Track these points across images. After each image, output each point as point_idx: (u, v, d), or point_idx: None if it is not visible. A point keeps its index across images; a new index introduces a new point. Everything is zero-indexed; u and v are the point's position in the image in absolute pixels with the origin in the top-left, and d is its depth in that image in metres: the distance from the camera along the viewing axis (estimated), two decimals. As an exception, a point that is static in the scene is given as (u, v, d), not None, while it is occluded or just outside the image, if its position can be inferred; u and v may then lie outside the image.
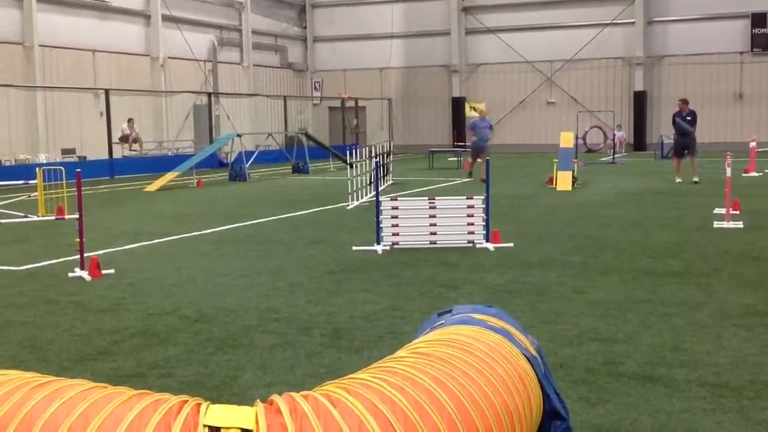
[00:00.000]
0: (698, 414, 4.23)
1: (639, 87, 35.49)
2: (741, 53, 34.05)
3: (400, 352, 3.46)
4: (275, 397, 2.77)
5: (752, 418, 4.16)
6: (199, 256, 9.72)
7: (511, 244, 10.01)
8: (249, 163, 23.58)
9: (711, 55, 34.27)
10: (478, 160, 20.35)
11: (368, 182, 15.55)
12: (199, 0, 33.66)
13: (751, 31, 33.61)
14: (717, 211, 12.69)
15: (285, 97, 36.25)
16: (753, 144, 21.48)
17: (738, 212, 12.39)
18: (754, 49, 33.71)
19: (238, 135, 25.23)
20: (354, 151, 16.05)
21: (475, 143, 21.23)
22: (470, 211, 10.13)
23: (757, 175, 20.68)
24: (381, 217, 10.01)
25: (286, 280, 8.05)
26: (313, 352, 5.53)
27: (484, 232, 10.08)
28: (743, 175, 20.31)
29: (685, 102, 18.84)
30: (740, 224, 11.38)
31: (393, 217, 10.07)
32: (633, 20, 35.28)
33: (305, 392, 2.84)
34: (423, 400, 2.91)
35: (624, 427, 4.09)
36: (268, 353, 5.50)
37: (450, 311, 3.98)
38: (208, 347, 5.69)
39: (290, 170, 26.00)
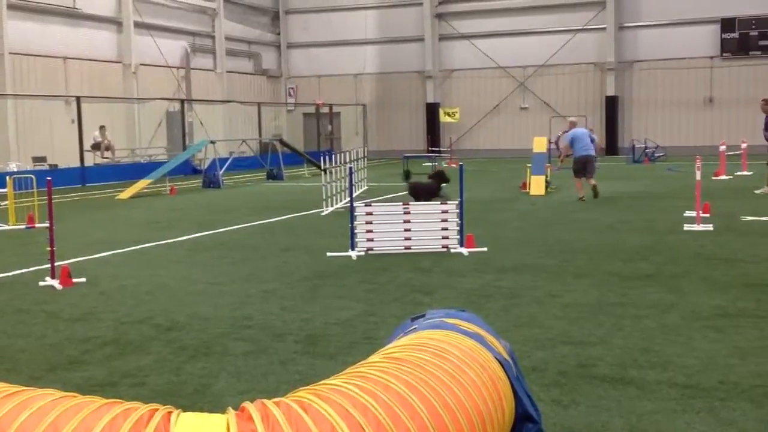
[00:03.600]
0: (669, 415, 4.27)
1: (611, 92, 35.81)
2: (711, 58, 34.49)
3: (374, 358, 3.47)
4: (247, 404, 2.77)
5: (722, 418, 4.21)
6: (172, 264, 9.66)
7: (485, 249, 10.05)
8: (223, 170, 23.48)
9: (681, 60, 34.68)
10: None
11: (342, 188, 15.54)
12: (171, 6, 33.50)
13: (721, 35, 34.06)
14: (687, 214, 12.83)
15: (259, 104, 36.16)
16: (723, 148, 21.75)
17: (708, 215, 12.54)
18: (724, 54, 34.16)
19: (211, 142, 25.13)
20: (328, 157, 16.04)
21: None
22: (444, 216, 10.16)
23: (727, 178, 20.94)
24: (355, 222, 10.02)
25: (260, 287, 8.03)
26: (287, 358, 5.52)
27: (459, 237, 10.12)
28: (713, 178, 20.55)
29: None
30: (710, 227, 11.52)
31: (367, 222, 10.08)
32: (604, 26, 35.62)
33: (277, 399, 2.84)
34: (396, 405, 2.92)
35: (596, 429, 4.13)
36: (242, 360, 5.48)
37: (423, 316, 4.00)
38: (181, 355, 5.65)
39: (264, 177, 25.93)
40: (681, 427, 4.11)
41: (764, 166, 16.68)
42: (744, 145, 23.81)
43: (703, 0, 34.02)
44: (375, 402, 2.88)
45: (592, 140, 17.43)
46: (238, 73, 38.00)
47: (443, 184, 13.77)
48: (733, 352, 5.37)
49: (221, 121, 34.80)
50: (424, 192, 13.60)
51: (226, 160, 25.11)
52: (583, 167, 16.53)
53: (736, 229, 11.41)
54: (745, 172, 22.24)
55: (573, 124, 18.27)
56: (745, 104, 33.70)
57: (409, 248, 10.02)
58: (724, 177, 21.02)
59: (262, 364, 5.40)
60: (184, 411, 2.75)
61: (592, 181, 16.49)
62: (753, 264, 8.64)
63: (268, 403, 2.78)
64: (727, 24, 33.83)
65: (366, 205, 10.57)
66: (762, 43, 33.45)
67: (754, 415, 4.24)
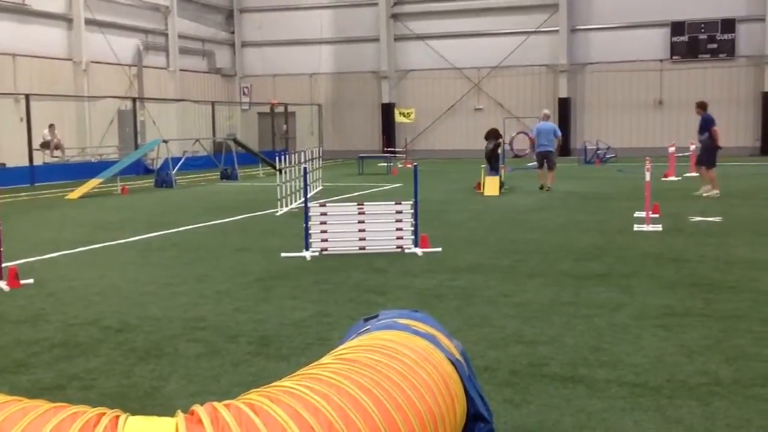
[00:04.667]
0: (618, 413, 4.34)
1: (563, 93, 36.26)
2: (661, 61, 35.12)
3: (326, 359, 3.46)
4: (197, 407, 2.74)
5: (669, 416, 4.28)
6: (123, 265, 9.53)
7: (440, 249, 10.10)
8: (176, 170, 23.22)
9: (632, 63, 35.25)
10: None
11: (297, 188, 15.48)
12: (123, 3, 33.02)
13: (671, 39, 34.71)
14: (637, 214, 13.05)
15: (213, 103, 35.84)
16: (672, 149, 22.16)
17: (658, 215, 12.78)
18: (674, 57, 34.82)
19: (164, 141, 24.82)
20: (283, 157, 15.97)
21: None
22: (399, 216, 10.18)
23: (676, 179, 21.36)
24: (310, 223, 9.98)
25: (212, 288, 7.95)
26: (239, 360, 5.48)
27: (413, 237, 10.15)
28: (663, 179, 20.94)
29: None
30: (659, 227, 11.73)
31: (322, 223, 10.05)
32: (557, 28, 36.05)
33: (227, 401, 2.82)
34: (348, 406, 2.91)
35: (546, 428, 4.17)
36: (194, 362, 5.43)
37: (376, 317, 4.00)
38: (131, 358, 5.57)
39: (218, 176, 25.71)
40: (629, 425, 4.17)
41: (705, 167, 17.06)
42: (693, 147, 24.25)
43: (653, 4, 34.63)
44: (327, 403, 2.88)
45: (556, 135, 19.38)
46: (192, 71, 37.60)
47: (499, 140, 18.52)
48: (681, 351, 5.47)
49: (174, 120, 34.39)
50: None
51: (179, 159, 24.83)
52: (542, 161, 19.28)
53: (685, 230, 11.63)
54: (694, 174, 22.69)
55: (546, 117, 20.13)
56: (694, 107, 34.37)
57: (364, 248, 10.02)
58: (673, 178, 21.43)
59: (215, 365, 5.35)
60: (133, 414, 2.71)
61: (550, 175, 19.09)
62: (700, 264, 8.82)
63: (218, 405, 2.76)
64: (676, 27, 34.49)
65: (320, 206, 10.54)
66: (710, 46, 34.17)
67: (701, 412, 4.32)
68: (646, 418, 4.26)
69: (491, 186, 18.14)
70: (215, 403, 2.78)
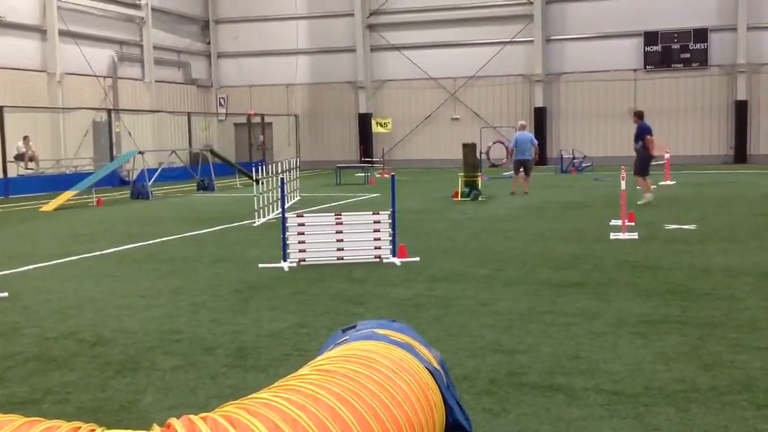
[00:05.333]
0: (596, 421, 4.35)
1: (539, 103, 36.49)
2: (635, 70, 35.47)
3: (304, 370, 3.44)
4: (173, 421, 2.71)
5: (647, 423, 4.30)
6: (99, 277, 9.43)
7: (418, 259, 10.10)
8: (152, 181, 23.08)
9: (606, 72, 35.57)
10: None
11: (275, 199, 15.43)
12: (98, 15, 32.82)
13: (644, 49, 35.07)
14: (613, 222, 13.14)
15: (189, 114, 35.67)
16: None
17: (633, 224, 12.87)
18: (647, 67, 35.18)
19: (139, 152, 24.66)
20: (260, 167, 15.92)
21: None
22: (377, 226, 10.18)
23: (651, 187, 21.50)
24: (287, 233, 9.95)
25: (189, 300, 7.89)
26: (217, 372, 5.43)
27: (391, 246, 10.14)
28: (638, 188, 21.06)
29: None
30: (635, 235, 11.81)
31: (299, 233, 10.02)
32: (532, 38, 36.30)
33: (204, 414, 2.79)
34: (326, 418, 2.89)
35: (526, 437, 4.17)
36: (170, 375, 5.38)
37: (354, 327, 3.99)
38: (107, 371, 5.51)
39: (195, 187, 25.58)
40: (608, 432, 4.18)
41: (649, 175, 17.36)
42: (667, 155, 24.54)
43: (626, 14, 34.99)
44: (305, 415, 2.86)
45: (533, 144, 20.94)
46: (167, 82, 37.44)
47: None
48: (658, 358, 5.50)
49: (150, 131, 34.18)
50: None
51: (155, 170, 24.68)
52: (519, 168, 20.85)
53: (660, 238, 11.72)
54: (669, 182, 22.92)
55: (522, 127, 21.71)
56: (668, 115, 34.78)
57: (342, 259, 10.01)
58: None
59: (191, 378, 5.31)
60: (109, 428, 2.68)
61: (528, 180, 20.61)
62: (676, 271, 8.88)
63: (195, 418, 2.73)
64: (650, 37, 34.87)
65: (298, 216, 10.51)
66: (683, 56, 34.57)
67: (678, 419, 4.34)
68: (624, 425, 4.27)
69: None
70: (192, 416, 2.75)
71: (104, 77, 32.92)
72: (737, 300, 7.32)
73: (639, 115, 17.54)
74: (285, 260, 9.87)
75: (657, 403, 4.60)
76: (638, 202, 16.56)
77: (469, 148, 19.75)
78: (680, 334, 6.14)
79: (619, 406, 4.56)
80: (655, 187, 17.46)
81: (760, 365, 5.28)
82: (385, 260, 10.02)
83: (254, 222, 14.67)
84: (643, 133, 17.04)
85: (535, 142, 21.25)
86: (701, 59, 34.35)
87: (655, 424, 4.29)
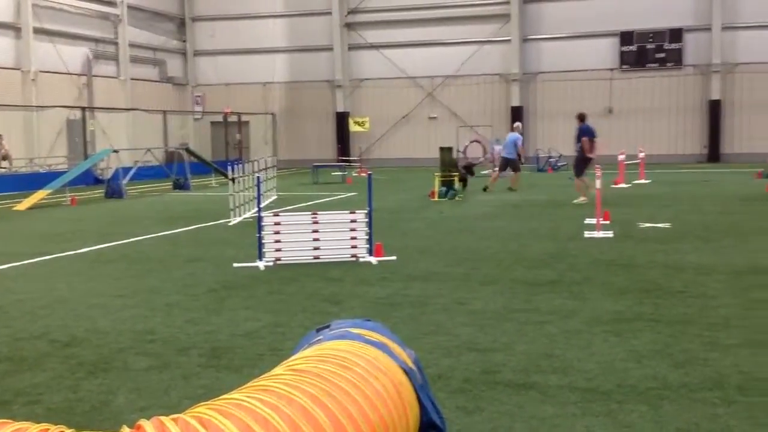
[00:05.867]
0: (569, 419, 4.37)
1: (516, 102, 36.64)
2: (611, 70, 35.71)
3: (277, 370, 3.43)
4: (143, 422, 2.68)
5: (619, 421, 4.32)
6: (72, 277, 9.34)
7: (394, 258, 10.10)
8: (127, 180, 22.89)
9: (583, 72, 35.78)
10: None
11: (251, 198, 15.37)
12: (72, 12, 32.51)
13: (620, 48, 35.33)
14: (588, 221, 13.22)
15: (165, 112, 35.45)
16: (622, 157, 22.53)
17: (608, 222, 12.95)
18: (623, 66, 35.44)
19: (114, 150, 24.45)
20: (236, 166, 15.85)
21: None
22: (353, 225, 10.16)
23: (626, 186, 21.69)
24: (263, 232, 9.91)
25: (163, 300, 7.84)
26: (190, 372, 5.40)
27: (367, 246, 10.13)
28: (613, 186, 21.26)
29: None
30: (610, 234, 11.89)
31: (276, 232, 9.98)
32: (509, 38, 36.44)
33: (175, 415, 2.77)
34: (299, 418, 2.88)
35: (499, 435, 4.18)
36: (143, 376, 5.33)
37: (328, 326, 3.97)
38: (79, 372, 5.46)
39: (170, 186, 25.41)
40: (581, 430, 4.20)
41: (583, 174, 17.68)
42: (642, 154, 24.74)
43: (602, 14, 35.22)
44: (277, 415, 2.84)
45: (516, 144, 21.50)
46: (143, 80, 37.16)
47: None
48: (631, 356, 5.54)
49: (125, 130, 33.90)
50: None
51: (129, 169, 24.49)
52: (504, 166, 21.86)
53: (634, 236, 11.81)
54: (643, 180, 23.10)
55: (512, 129, 23.02)
56: (643, 115, 35.07)
57: (318, 258, 9.98)
58: (623, 185, 21.76)
59: (164, 379, 5.27)
60: (80, 430, 2.65)
61: (515, 178, 21.56)
62: (650, 269, 8.95)
63: (166, 420, 2.70)
64: (625, 37, 35.13)
65: (274, 215, 10.47)
66: (658, 55, 34.87)
67: (650, 416, 4.37)
68: (597, 423, 4.30)
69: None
70: (162, 417, 2.72)
71: (79, 75, 32.62)
72: (710, 298, 7.39)
73: (580, 117, 17.92)
74: (261, 259, 9.83)
75: (630, 401, 4.63)
76: (573, 201, 16.87)
77: (445, 152, 19.77)
78: (653, 331, 6.19)
79: (593, 404, 4.58)
80: (629, 186, 17.60)
81: (732, 362, 5.33)
82: (361, 259, 10.01)
83: (230, 221, 14.60)
84: (581, 135, 17.42)
85: (519, 142, 21.53)
86: (676, 59, 34.67)
87: (627, 421, 4.31)
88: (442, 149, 19.99)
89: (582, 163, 17.47)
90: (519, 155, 21.70)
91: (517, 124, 23.64)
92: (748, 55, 33.74)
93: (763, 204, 16.22)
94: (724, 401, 4.58)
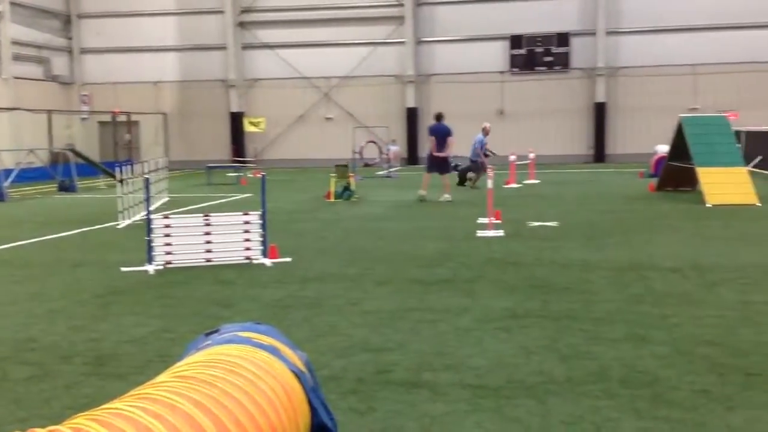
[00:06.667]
0: (460, 416, 4.43)
1: (411, 104, 37.02)
2: (501, 72, 36.55)
3: (161, 377, 3.33)
4: (15, 436, 2.56)
5: (508, 416, 4.42)
6: (-53, 285, 8.85)
7: (289, 259, 10.02)
8: (8, 182, 21.89)
9: (475, 74, 36.47)
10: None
11: (141, 200, 14.94)
12: (-53, 5, 30.84)
13: (510, 52, 36.21)
14: (480, 220, 13.48)
15: (49, 111, 34.06)
16: (513, 158, 23.08)
17: (500, 221, 13.24)
18: (513, 69, 36.34)
19: (-5, 151, 23.29)
20: (125, 167, 15.37)
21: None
22: (247, 227, 10.03)
23: (516, 186, 22.24)
24: (152, 235, 9.65)
25: (46, 306, 7.52)
26: (73, 382, 5.19)
27: (262, 247, 10.02)
28: (504, 186, 21.76)
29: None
30: (501, 233, 12.16)
31: (166, 235, 9.74)
32: (404, 40, 36.79)
33: (53, 427, 2.65)
34: (183, 426, 2.81)
35: (391, 435, 4.20)
36: (23, 386, 5.10)
37: (217, 331, 3.90)
38: (-47, 385, 5.17)
39: (56, 188, 24.44)
40: (470, 427, 4.27)
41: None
42: (532, 155, 25.42)
43: (493, 18, 36.02)
44: (160, 424, 2.76)
45: (482, 146, 22.02)
46: (26, 78, 35.58)
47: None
48: (520, 352, 5.67)
49: (7, 130, 32.37)
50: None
51: (11, 171, 23.42)
52: (467, 169, 22.53)
53: (524, 235, 12.12)
54: (534, 181, 23.75)
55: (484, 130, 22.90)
56: (533, 116, 36.06)
57: (211, 261, 9.80)
58: (514, 185, 22.31)
59: (46, 388, 5.05)
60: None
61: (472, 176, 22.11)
62: (538, 267, 9.20)
63: (41, 431, 2.58)
64: (515, 41, 36.04)
65: (164, 217, 10.21)
66: (547, 59, 35.91)
67: (537, 411, 4.48)
68: (487, 418, 4.37)
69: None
70: (37, 429, 2.60)
71: (-45, 72, 30.96)
72: (594, 293, 7.65)
73: (435, 117, 18.72)
74: (150, 263, 9.56)
75: (517, 396, 4.73)
76: (439, 199, 17.73)
77: (341, 169, 19.64)
78: (541, 327, 6.36)
79: (482, 400, 4.66)
80: (520, 186, 18.10)
81: (614, 356, 5.53)
82: (255, 261, 9.89)
83: (119, 224, 14.16)
84: (431, 134, 18.44)
85: (475, 145, 22.01)
86: (563, 63, 35.79)
87: (515, 416, 4.41)
88: (338, 167, 19.77)
89: (430, 162, 18.51)
90: (484, 155, 21.93)
91: (486, 124, 23.33)
92: (630, 59, 35.19)
93: (645, 202, 16.94)
94: (606, 394, 4.74)
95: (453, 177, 20.74)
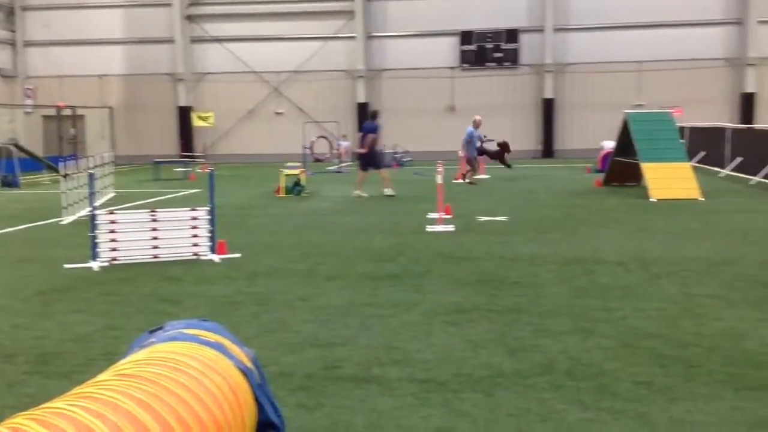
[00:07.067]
0: (407, 410, 4.44)
1: (361, 99, 36.98)
2: (452, 68, 36.71)
3: (104, 376, 3.28)
4: (-52, 438, 2.49)
5: (455, 409, 4.44)
6: None
7: (238, 255, 9.94)
8: (-52, 177, 21.28)
9: (425, 70, 36.57)
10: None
11: (86, 195, 14.66)
12: None
13: (460, 47, 36.40)
14: (430, 215, 13.53)
15: (-9, 105, 33.24)
16: (462, 153, 23.19)
17: (449, 216, 13.31)
18: (463, 65, 36.53)
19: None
20: (69, 162, 15.07)
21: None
22: (194, 222, 9.92)
23: (466, 181, 22.36)
24: (97, 231, 9.48)
25: (-13, 305, 7.34)
26: (15, 380, 5.08)
27: (210, 243, 9.91)
28: (454, 181, 21.88)
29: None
30: (451, 227, 12.22)
31: (111, 231, 9.57)
32: (354, 35, 36.72)
33: (-11, 428, 2.58)
34: (125, 425, 2.76)
35: (338, 430, 4.20)
36: (-39, 387, 4.97)
37: (162, 328, 3.85)
38: None
39: (-2, 184, 23.86)
40: (418, 421, 4.29)
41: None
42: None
43: (444, 13, 36.15)
44: (102, 423, 2.71)
45: (478, 138, 22.01)
46: (-34, 71, 34.67)
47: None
48: (468, 346, 5.71)
49: (-54, 124, 31.52)
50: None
51: (-48, 166, 22.79)
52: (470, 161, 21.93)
53: (473, 229, 12.20)
54: (483, 176, 23.91)
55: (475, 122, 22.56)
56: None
57: (157, 257, 9.67)
58: (462, 181, 22.43)
59: (-14, 389, 4.93)
60: None
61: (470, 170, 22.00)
62: (487, 261, 9.28)
63: (-24, 434, 2.52)
64: (465, 37, 36.22)
65: (109, 213, 10.04)
66: (496, 55, 36.17)
67: (484, 404, 4.52)
68: (434, 412, 4.39)
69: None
70: (-27, 432, 2.53)
71: None
72: (541, 287, 7.74)
73: (371, 115, 19.23)
74: (95, 260, 9.40)
75: (465, 389, 4.76)
76: (360, 195, 17.99)
77: (290, 178, 19.51)
78: (489, 321, 6.41)
79: (430, 394, 4.68)
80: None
81: (560, 348, 5.60)
82: (203, 257, 9.79)
83: (62, 220, 13.88)
84: (367, 131, 18.64)
85: (465, 138, 21.76)
86: (512, 59, 36.09)
87: (463, 409, 4.44)
88: (287, 176, 19.61)
89: (362, 157, 18.69)
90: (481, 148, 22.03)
91: (476, 117, 23.10)
92: (577, 56, 35.67)
93: (592, 197, 17.20)
94: (552, 386, 4.80)
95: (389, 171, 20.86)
